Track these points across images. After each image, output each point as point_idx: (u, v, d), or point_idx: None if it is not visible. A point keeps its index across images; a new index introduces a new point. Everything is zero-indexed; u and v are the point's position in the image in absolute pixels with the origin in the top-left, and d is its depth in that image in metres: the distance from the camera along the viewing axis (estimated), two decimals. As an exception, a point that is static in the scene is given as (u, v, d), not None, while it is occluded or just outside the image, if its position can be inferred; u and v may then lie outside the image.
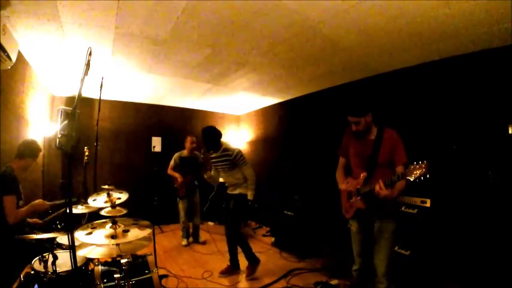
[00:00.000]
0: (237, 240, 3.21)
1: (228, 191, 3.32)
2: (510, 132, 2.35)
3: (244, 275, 3.18)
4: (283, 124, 5.34)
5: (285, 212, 4.15)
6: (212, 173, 3.32)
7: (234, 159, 3.10)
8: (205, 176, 3.29)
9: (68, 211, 1.35)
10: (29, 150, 2.43)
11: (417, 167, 1.64)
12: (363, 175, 2.07)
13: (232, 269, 3.25)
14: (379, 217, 2.06)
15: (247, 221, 5.33)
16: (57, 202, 2.61)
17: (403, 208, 2.72)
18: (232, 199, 3.21)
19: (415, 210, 2.66)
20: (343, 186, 2.26)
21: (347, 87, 3.91)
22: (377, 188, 1.83)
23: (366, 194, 2.03)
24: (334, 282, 2.85)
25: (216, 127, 3.25)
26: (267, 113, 5.83)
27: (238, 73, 3.72)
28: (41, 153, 2.54)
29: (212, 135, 3.16)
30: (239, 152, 3.15)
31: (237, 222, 3.24)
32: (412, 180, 1.66)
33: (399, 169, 1.88)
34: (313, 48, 2.84)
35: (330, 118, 4.16)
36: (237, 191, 3.19)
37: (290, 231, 4.02)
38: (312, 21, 2.31)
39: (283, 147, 5.20)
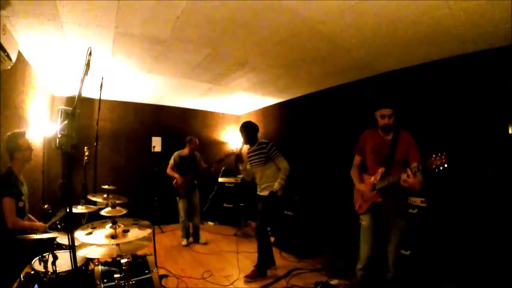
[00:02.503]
0: (260, 240, 3.19)
1: (257, 192, 3.31)
2: (510, 132, 2.36)
3: (243, 275, 3.18)
4: (283, 124, 5.34)
5: (285, 212, 4.15)
6: (248, 167, 3.34)
7: (268, 152, 3.11)
8: (240, 168, 3.33)
9: (67, 212, 1.35)
10: (11, 145, 2.32)
11: (437, 158, 1.81)
12: (380, 170, 2.23)
13: (259, 273, 3.14)
14: (393, 211, 2.21)
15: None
16: (54, 219, 2.57)
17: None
18: (262, 201, 3.19)
19: (415, 210, 2.66)
20: (361, 186, 2.40)
21: (347, 87, 3.91)
22: (404, 176, 1.95)
23: (382, 188, 2.20)
24: (334, 282, 2.84)
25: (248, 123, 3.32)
26: (267, 113, 5.83)
27: (238, 73, 3.72)
28: (26, 138, 2.42)
29: (253, 128, 3.27)
30: (273, 144, 3.17)
31: (264, 223, 3.26)
32: (431, 169, 1.82)
33: (415, 164, 2.01)
34: (313, 48, 2.84)
35: (330, 118, 4.17)
36: (267, 192, 3.13)
37: (290, 231, 4.02)
38: (312, 21, 2.31)
39: (283, 147, 5.17)
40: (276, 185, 3.05)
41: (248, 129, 3.26)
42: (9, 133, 2.38)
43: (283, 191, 3.14)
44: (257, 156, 3.19)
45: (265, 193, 3.17)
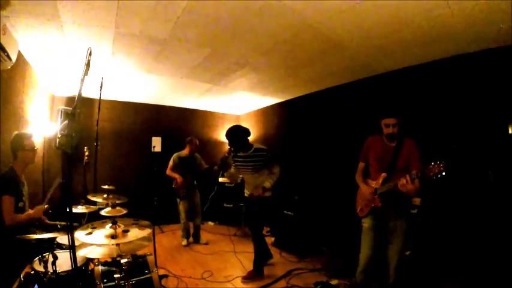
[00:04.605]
0: (256, 242, 3.20)
1: (246, 195, 3.26)
2: (510, 132, 2.36)
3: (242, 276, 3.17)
4: (283, 124, 5.34)
5: (285, 212, 4.15)
6: (232, 170, 3.27)
7: (269, 160, 3.09)
8: (225, 174, 3.31)
9: (67, 210, 1.35)
10: (16, 144, 2.34)
11: (436, 166, 1.82)
12: (382, 175, 2.24)
13: (255, 273, 3.14)
14: (394, 215, 2.22)
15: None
16: (50, 191, 2.54)
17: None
18: (258, 202, 3.14)
19: (415, 210, 2.66)
20: (364, 187, 2.41)
21: (347, 87, 3.91)
22: (403, 181, 1.98)
23: (383, 193, 2.21)
24: (334, 282, 2.84)
25: (242, 126, 3.16)
26: (267, 113, 5.83)
27: (238, 73, 3.72)
28: (32, 140, 2.44)
29: (243, 135, 3.04)
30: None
31: (261, 225, 3.25)
32: (429, 176, 1.83)
33: (414, 171, 2.02)
34: (313, 48, 2.84)
35: (330, 118, 4.17)
36: (264, 194, 3.11)
37: (290, 231, 4.02)
38: (312, 21, 2.31)
39: (283, 147, 5.20)
40: (267, 184, 3.03)
41: (241, 137, 3.02)
42: (16, 132, 2.41)
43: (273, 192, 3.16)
44: (253, 163, 3.06)
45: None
